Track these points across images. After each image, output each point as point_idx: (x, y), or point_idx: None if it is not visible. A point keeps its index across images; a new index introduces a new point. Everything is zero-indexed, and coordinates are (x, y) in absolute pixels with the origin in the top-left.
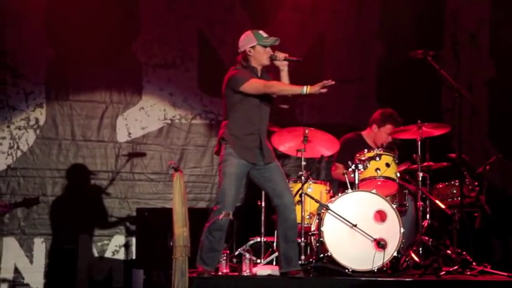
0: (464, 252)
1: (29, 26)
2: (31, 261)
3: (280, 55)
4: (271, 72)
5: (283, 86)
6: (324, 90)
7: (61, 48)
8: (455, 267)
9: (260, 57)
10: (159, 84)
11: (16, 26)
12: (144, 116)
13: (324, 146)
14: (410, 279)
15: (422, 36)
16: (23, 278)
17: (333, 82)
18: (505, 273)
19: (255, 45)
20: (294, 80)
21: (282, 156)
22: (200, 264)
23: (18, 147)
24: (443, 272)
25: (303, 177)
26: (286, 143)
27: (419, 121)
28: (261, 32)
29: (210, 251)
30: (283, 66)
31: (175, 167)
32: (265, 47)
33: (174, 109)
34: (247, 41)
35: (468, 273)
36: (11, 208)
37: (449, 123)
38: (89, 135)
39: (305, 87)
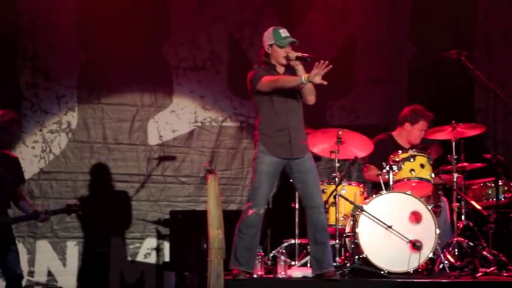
0: (500, 254)
1: (60, 30)
2: (64, 264)
3: (292, 54)
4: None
5: (285, 78)
6: (324, 82)
7: (92, 52)
8: (492, 268)
9: (277, 56)
10: (190, 87)
11: (47, 30)
12: (175, 119)
13: (358, 147)
14: (446, 281)
15: (454, 36)
16: (56, 281)
17: (329, 65)
18: None
19: (272, 44)
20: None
21: (314, 158)
22: (234, 265)
23: (50, 151)
24: (480, 274)
25: (336, 179)
26: (320, 144)
27: (453, 121)
28: (281, 30)
29: (244, 250)
30: (297, 66)
31: (210, 169)
32: (281, 47)
33: (204, 112)
34: (267, 38)
35: (505, 274)
36: (51, 215)
37: (483, 123)
38: (120, 139)
39: (303, 76)
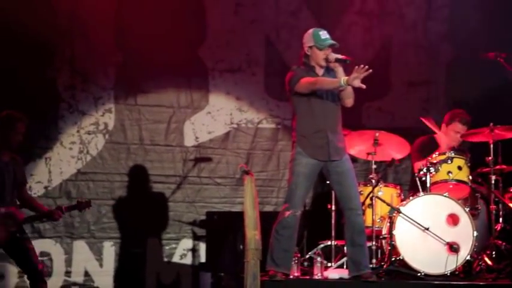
0: None
1: (97, 31)
2: (101, 265)
3: (332, 56)
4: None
5: (324, 80)
6: (363, 86)
7: (129, 53)
8: None
9: (316, 58)
10: (226, 89)
11: (85, 32)
12: (211, 121)
13: (395, 149)
14: (483, 283)
15: (492, 37)
16: (93, 282)
17: (369, 70)
18: None
19: (312, 46)
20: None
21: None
22: (271, 266)
23: (87, 152)
24: None
25: (373, 181)
26: (356, 146)
27: (491, 124)
28: (321, 32)
29: (280, 251)
30: (336, 68)
31: (246, 170)
32: (320, 49)
33: (240, 113)
34: (307, 39)
35: None
36: (63, 212)
37: None
38: (156, 140)
39: (342, 78)
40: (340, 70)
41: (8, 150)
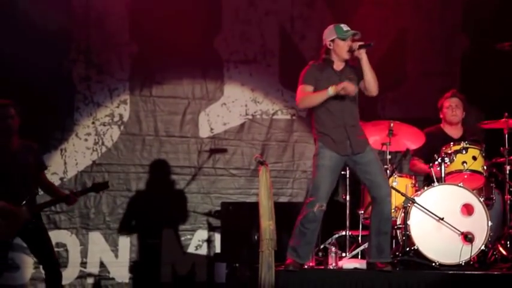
0: None
1: (112, 23)
2: (116, 256)
3: (355, 45)
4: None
5: (312, 96)
6: (351, 94)
7: (144, 45)
8: None
9: (339, 50)
10: (241, 80)
11: (100, 24)
12: (226, 112)
13: (410, 139)
14: (498, 273)
15: (507, 27)
16: (109, 272)
17: (353, 89)
18: None
19: (335, 39)
20: (376, 73)
21: None
22: (292, 256)
23: (103, 143)
24: None
25: (388, 171)
26: (371, 136)
27: (506, 114)
28: (342, 25)
29: (305, 244)
30: (361, 55)
31: (261, 160)
32: (343, 40)
33: (255, 104)
34: (328, 34)
35: None
36: (78, 196)
37: None
38: (172, 131)
39: (330, 88)
40: (364, 57)
41: (12, 138)
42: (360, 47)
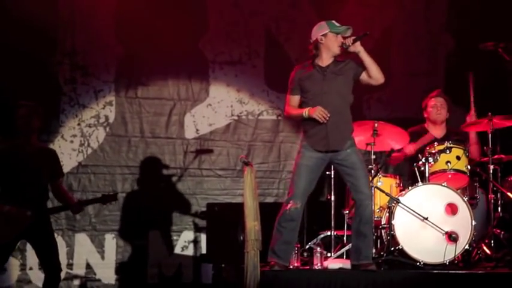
0: None
1: (98, 25)
2: (102, 257)
3: (349, 40)
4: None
5: (293, 113)
6: (323, 120)
7: (130, 46)
8: None
9: (331, 45)
10: (226, 81)
11: (86, 26)
12: (212, 113)
13: (394, 139)
14: (482, 272)
15: (491, 27)
16: (95, 274)
17: (326, 116)
18: None
19: (327, 33)
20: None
21: None
22: (272, 257)
23: (88, 145)
24: None
25: (372, 171)
26: (356, 137)
27: (489, 114)
28: (333, 21)
29: (282, 243)
30: (357, 48)
31: (246, 161)
32: (336, 34)
33: (241, 105)
34: (319, 29)
35: None
36: (84, 205)
37: None
38: (157, 132)
39: (305, 111)
40: (361, 49)
41: (29, 140)
42: (355, 40)
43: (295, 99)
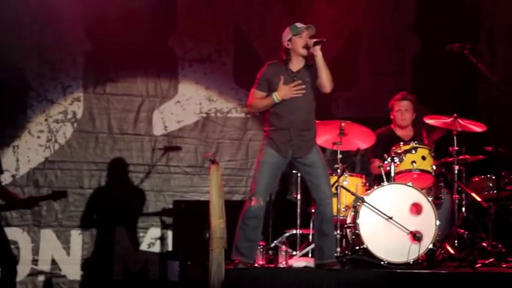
0: (499, 245)
1: (67, 20)
2: (68, 253)
3: (310, 41)
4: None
5: (260, 101)
6: (298, 94)
7: (98, 42)
8: (491, 259)
9: (296, 47)
10: (195, 78)
11: (54, 21)
12: (180, 110)
13: (361, 139)
14: (445, 272)
15: (458, 29)
16: (60, 270)
17: (302, 90)
18: None
19: (291, 37)
20: (331, 74)
21: None
22: (236, 255)
23: (56, 140)
24: (479, 265)
25: (338, 170)
26: (323, 136)
27: (455, 114)
28: (296, 23)
29: (245, 241)
30: (316, 52)
31: (213, 159)
32: (297, 35)
33: (209, 103)
34: (286, 35)
35: (503, 265)
36: (36, 201)
37: (485, 117)
38: (125, 129)
39: (274, 94)
40: (319, 54)
41: None
42: (315, 43)
43: (260, 94)
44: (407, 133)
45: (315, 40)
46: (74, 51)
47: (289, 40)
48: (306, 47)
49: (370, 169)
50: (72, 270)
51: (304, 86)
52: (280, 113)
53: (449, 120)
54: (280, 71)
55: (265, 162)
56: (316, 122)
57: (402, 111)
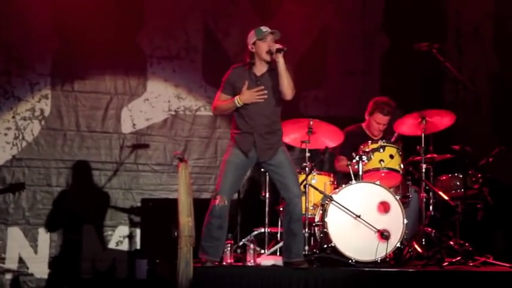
0: (466, 244)
1: (34, 17)
2: (35, 251)
3: (273, 47)
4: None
5: (223, 105)
6: (260, 100)
7: (66, 39)
8: (458, 258)
9: (260, 51)
10: (164, 76)
11: (22, 17)
12: (149, 108)
13: (329, 137)
14: (413, 270)
15: (426, 28)
16: (28, 268)
17: (263, 95)
18: (507, 264)
19: (255, 41)
20: (297, 71)
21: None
22: (202, 253)
23: (23, 138)
24: (446, 263)
25: (307, 169)
26: (291, 134)
27: (423, 113)
28: (262, 27)
29: (210, 240)
30: (278, 58)
31: (181, 157)
32: (261, 40)
33: (178, 100)
34: (250, 38)
35: (470, 264)
36: None
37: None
38: (93, 126)
39: (236, 98)
40: (281, 61)
41: None
42: (277, 50)
43: (224, 97)
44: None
45: (277, 47)
46: (42, 48)
47: (254, 43)
48: (270, 52)
49: (335, 165)
50: (40, 268)
51: (266, 92)
52: (245, 117)
53: (418, 119)
54: (244, 75)
55: (230, 161)
56: (285, 120)
57: (381, 125)
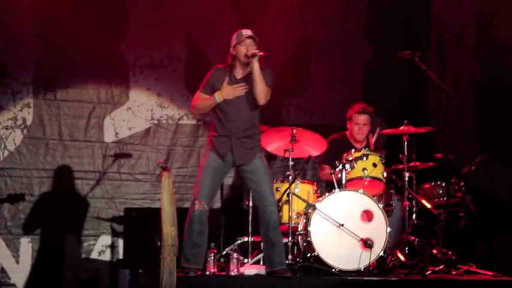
0: (449, 252)
1: (16, 25)
2: (17, 261)
3: (249, 52)
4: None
5: (203, 102)
6: (240, 92)
7: (49, 48)
8: (441, 266)
9: (239, 55)
10: (147, 85)
11: (3, 26)
12: (131, 116)
13: (312, 146)
14: (396, 279)
15: (408, 36)
16: (9, 278)
17: (246, 87)
18: (490, 273)
19: (236, 45)
20: (280, 79)
21: (269, 157)
22: (184, 262)
23: (5, 147)
24: (429, 272)
25: (290, 177)
26: (274, 142)
27: (406, 121)
28: (243, 30)
29: (192, 247)
30: (252, 63)
31: (164, 166)
32: (240, 43)
33: (161, 109)
34: (232, 41)
35: (453, 272)
36: None
37: (435, 124)
38: (76, 135)
39: (216, 94)
40: (255, 65)
41: None
42: (252, 55)
43: (203, 97)
44: (361, 142)
45: (252, 52)
46: (24, 56)
47: (234, 46)
48: (247, 55)
49: (319, 174)
50: (22, 278)
51: (247, 86)
52: (223, 120)
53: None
54: (224, 77)
55: (207, 166)
56: (268, 128)
57: (360, 125)
